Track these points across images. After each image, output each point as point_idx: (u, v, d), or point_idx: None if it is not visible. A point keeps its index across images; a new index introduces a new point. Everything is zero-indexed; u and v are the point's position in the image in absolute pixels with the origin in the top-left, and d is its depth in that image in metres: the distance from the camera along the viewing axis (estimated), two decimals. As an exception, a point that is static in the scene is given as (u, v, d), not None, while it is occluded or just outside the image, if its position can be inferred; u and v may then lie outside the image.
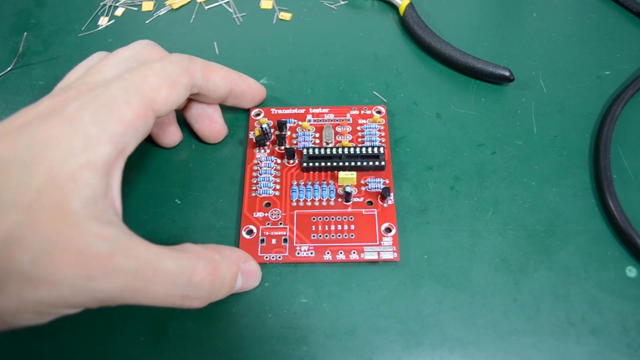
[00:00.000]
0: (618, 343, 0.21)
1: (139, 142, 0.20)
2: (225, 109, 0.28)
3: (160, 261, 0.18)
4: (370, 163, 0.25)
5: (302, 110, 0.28)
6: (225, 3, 0.34)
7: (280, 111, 0.28)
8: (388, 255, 0.23)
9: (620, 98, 0.28)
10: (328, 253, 0.23)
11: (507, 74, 0.29)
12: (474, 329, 0.22)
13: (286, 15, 0.33)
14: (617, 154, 0.26)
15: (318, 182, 0.25)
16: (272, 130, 0.27)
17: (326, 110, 0.28)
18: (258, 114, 0.28)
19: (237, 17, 0.33)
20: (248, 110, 0.28)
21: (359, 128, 0.27)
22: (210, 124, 0.26)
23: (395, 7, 0.33)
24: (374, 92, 0.29)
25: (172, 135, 0.26)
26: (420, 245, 0.24)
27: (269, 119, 0.28)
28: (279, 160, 0.26)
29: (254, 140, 0.27)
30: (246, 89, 0.26)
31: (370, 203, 0.25)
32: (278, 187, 0.25)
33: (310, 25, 0.33)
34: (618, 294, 0.22)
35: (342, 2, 0.34)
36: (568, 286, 0.23)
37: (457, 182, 0.26)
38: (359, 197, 0.25)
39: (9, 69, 0.31)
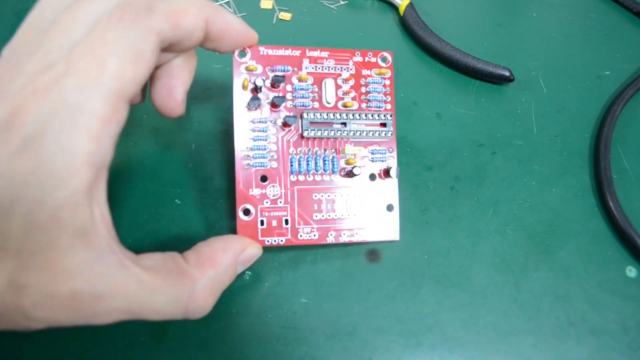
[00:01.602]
0: (618, 343, 0.21)
1: (116, 141, 0.17)
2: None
3: (154, 297, 0.18)
4: (377, 134, 0.23)
5: (298, 52, 0.23)
6: (225, 3, 0.34)
7: (270, 51, 0.22)
8: (390, 235, 0.23)
9: (620, 98, 0.28)
10: (331, 235, 0.23)
11: (507, 74, 0.29)
12: (474, 329, 0.22)
13: (286, 15, 0.33)
14: (617, 154, 0.26)
15: (319, 153, 0.23)
16: (265, 79, 0.22)
17: (325, 54, 0.23)
18: (243, 54, 0.22)
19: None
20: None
21: (362, 82, 0.24)
22: (168, 96, 0.21)
23: (395, 7, 0.33)
24: (374, 92, 0.29)
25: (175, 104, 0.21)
26: (420, 245, 0.24)
27: (257, 62, 0.22)
28: (273, 122, 0.22)
29: (247, 104, 0.22)
30: (225, 29, 0.20)
31: (372, 177, 0.23)
32: (275, 156, 0.22)
33: (310, 25, 0.33)
34: (618, 294, 0.22)
35: (342, 2, 0.34)
36: (568, 286, 0.23)
37: (457, 182, 0.26)
38: (362, 166, 0.23)
39: (9, 69, 0.31)
